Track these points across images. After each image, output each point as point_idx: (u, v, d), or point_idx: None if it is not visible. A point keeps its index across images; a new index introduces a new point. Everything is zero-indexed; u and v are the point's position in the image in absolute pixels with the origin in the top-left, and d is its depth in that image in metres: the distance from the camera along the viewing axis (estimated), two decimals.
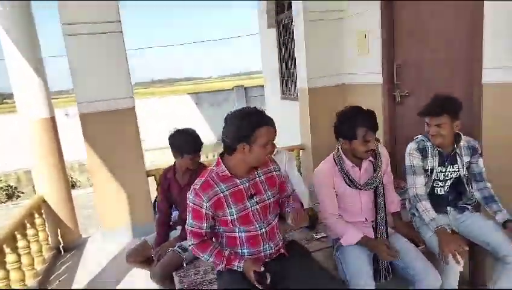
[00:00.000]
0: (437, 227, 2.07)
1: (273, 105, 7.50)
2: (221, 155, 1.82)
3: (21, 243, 3.11)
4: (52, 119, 3.88)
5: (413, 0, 3.50)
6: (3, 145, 10.16)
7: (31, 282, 3.14)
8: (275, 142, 1.76)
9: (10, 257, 2.85)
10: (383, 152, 2.16)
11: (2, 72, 4.99)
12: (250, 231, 1.80)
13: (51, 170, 3.83)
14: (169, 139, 2.41)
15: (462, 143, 2.21)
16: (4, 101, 33.29)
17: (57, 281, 3.31)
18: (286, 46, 6.59)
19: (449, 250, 1.95)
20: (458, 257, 1.93)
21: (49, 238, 3.82)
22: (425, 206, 2.17)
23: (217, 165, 1.81)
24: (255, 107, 1.76)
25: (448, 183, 2.27)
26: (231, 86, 13.42)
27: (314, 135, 4.58)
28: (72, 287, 3.15)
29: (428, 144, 2.23)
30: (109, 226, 3.88)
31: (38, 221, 3.61)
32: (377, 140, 2.13)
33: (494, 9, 2.70)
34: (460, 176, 2.24)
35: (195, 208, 1.74)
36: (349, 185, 2.06)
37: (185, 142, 2.35)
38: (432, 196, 2.27)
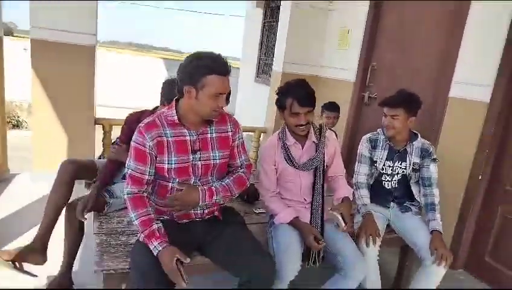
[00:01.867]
0: (365, 212, 2.14)
1: (246, 87, 7.38)
2: (177, 100, 1.65)
3: None
4: None
5: (402, 1, 3.48)
6: None
7: None
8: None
9: None
10: (331, 137, 2.08)
11: None
12: (183, 184, 1.66)
13: None
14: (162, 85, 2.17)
15: (415, 143, 2.20)
16: None
17: None
18: (269, 30, 6.47)
19: (364, 232, 2.03)
20: (370, 240, 2.00)
21: None
22: (361, 193, 2.24)
23: (169, 108, 1.65)
24: (218, 54, 1.58)
25: (396, 179, 2.27)
26: None
27: (278, 119, 4.49)
28: None
29: (382, 137, 2.26)
30: (41, 167, 3.57)
31: None
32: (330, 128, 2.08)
33: (476, 25, 2.73)
34: (406, 174, 2.24)
35: (137, 148, 1.57)
36: (288, 164, 1.97)
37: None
38: (379, 188, 2.30)
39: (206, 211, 1.74)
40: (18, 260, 2.03)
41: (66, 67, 3.53)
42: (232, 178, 1.76)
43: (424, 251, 2.05)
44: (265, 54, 6.65)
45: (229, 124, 1.75)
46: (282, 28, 4.48)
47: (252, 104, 6.85)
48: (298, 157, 1.98)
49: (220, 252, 1.69)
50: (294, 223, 1.91)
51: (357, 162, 2.33)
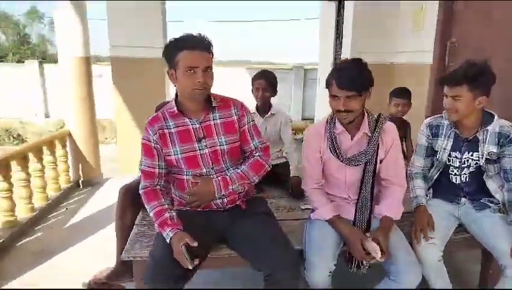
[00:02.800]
0: (417, 205, 1.87)
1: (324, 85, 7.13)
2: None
3: (34, 165, 3.30)
4: (88, 59, 4.01)
5: None
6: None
7: (38, 203, 3.33)
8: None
9: (18, 175, 3.04)
10: (389, 129, 1.75)
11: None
12: (197, 176, 1.64)
13: (80, 105, 3.98)
14: None
15: (491, 127, 1.76)
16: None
17: (64, 209, 3.47)
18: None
19: (415, 228, 1.77)
20: (421, 235, 1.74)
21: (71, 172, 4.02)
22: (415, 183, 1.95)
23: (172, 99, 1.68)
24: (192, 33, 1.57)
25: (466, 172, 1.86)
26: (291, 65, 12.90)
27: None
28: (73, 219, 3.27)
29: (446, 122, 1.87)
30: (128, 172, 3.97)
31: (60, 152, 3.82)
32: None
33: None
34: (480, 166, 1.82)
35: (144, 144, 1.64)
36: (333, 155, 1.74)
37: None
38: (446, 182, 1.93)
39: (227, 201, 1.69)
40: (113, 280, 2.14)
41: (142, 80, 3.89)
42: (247, 164, 1.68)
43: (506, 257, 1.65)
44: (340, 48, 6.33)
45: (233, 108, 1.69)
46: (348, 17, 4.20)
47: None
48: (346, 149, 1.74)
49: (241, 244, 1.63)
50: (334, 222, 1.71)
51: (414, 153, 2.02)
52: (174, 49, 1.53)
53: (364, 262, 1.65)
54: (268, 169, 1.73)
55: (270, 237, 1.60)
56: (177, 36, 1.56)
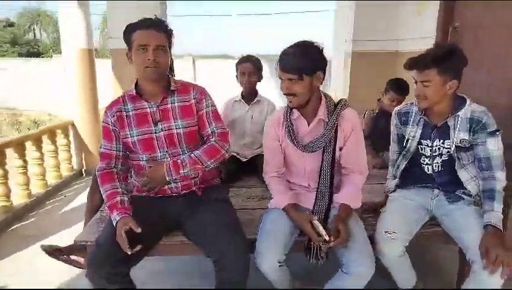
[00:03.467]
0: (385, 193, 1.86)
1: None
2: None
3: (33, 154, 3.43)
4: (90, 51, 4.10)
5: None
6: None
7: (37, 190, 3.46)
8: None
9: (16, 162, 3.16)
10: (348, 115, 1.66)
11: None
12: (152, 159, 1.64)
13: (85, 96, 4.09)
14: None
15: (462, 112, 1.63)
16: None
17: (62, 196, 3.59)
18: None
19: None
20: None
21: (74, 161, 4.15)
22: (388, 171, 1.95)
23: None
24: (153, 17, 1.60)
25: (438, 161, 1.74)
26: None
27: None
28: (70, 205, 3.36)
29: (415, 108, 1.76)
30: None
31: (63, 141, 3.94)
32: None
33: None
34: (451, 155, 1.70)
35: (104, 126, 1.66)
36: (290, 141, 1.68)
37: None
38: (418, 172, 1.82)
39: (181, 185, 1.67)
40: (66, 253, 2.12)
41: None
42: (201, 148, 1.64)
43: (473, 251, 1.52)
44: None
45: (192, 92, 1.68)
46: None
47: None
48: (303, 135, 1.68)
49: (193, 230, 1.61)
50: (288, 211, 1.64)
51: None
52: (130, 30, 1.56)
53: (321, 253, 1.59)
54: (226, 155, 1.68)
55: (221, 223, 1.57)
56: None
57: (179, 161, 1.60)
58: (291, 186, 1.80)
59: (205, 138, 1.71)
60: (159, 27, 1.56)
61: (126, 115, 1.63)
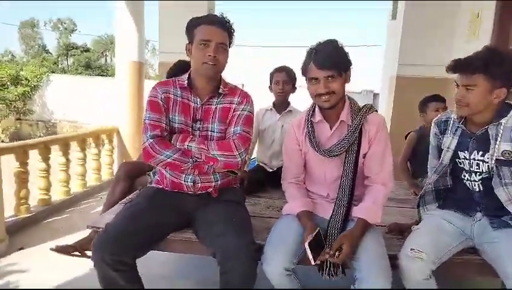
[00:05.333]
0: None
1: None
2: None
3: (77, 155, 3.65)
4: (141, 64, 4.35)
5: None
6: None
7: (77, 189, 3.65)
8: None
9: (59, 159, 3.38)
10: (374, 119, 1.57)
11: None
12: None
13: (132, 105, 4.29)
14: None
15: (505, 119, 1.45)
16: None
17: (99, 198, 3.72)
18: None
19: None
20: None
21: (115, 166, 4.33)
22: (425, 188, 1.72)
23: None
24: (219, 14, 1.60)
25: (477, 177, 1.54)
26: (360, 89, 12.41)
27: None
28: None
29: (454, 116, 1.59)
30: None
31: (107, 146, 4.18)
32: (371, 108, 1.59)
33: None
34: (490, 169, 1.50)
35: (151, 100, 1.61)
36: (311, 146, 1.59)
37: None
38: (460, 191, 1.63)
39: (199, 186, 1.64)
40: (79, 249, 2.10)
41: None
42: (218, 141, 1.61)
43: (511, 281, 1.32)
44: None
45: (238, 96, 1.65)
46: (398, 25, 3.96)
47: None
48: (324, 139, 1.60)
49: (201, 228, 1.57)
50: (300, 217, 1.55)
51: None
52: (193, 23, 1.57)
53: (335, 269, 1.45)
54: (237, 159, 1.56)
55: (230, 223, 1.51)
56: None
57: (190, 135, 1.60)
58: (310, 195, 1.70)
59: (226, 138, 1.63)
60: (223, 25, 1.56)
61: (174, 99, 1.62)
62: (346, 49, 1.52)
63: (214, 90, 1.62)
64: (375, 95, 11.83)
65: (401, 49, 3.83)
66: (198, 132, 1.62)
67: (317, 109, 1.60)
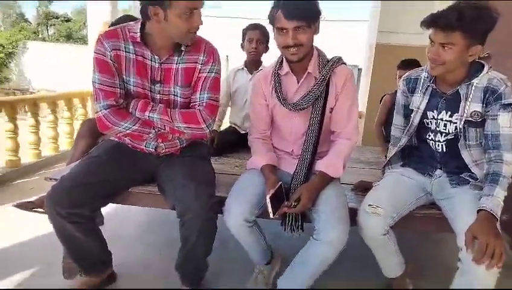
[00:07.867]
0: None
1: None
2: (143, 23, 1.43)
3: (48, 117, 3.54)
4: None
5: None
6: None
7: (48, 152, 3.56)
8: None
9: (29, 121, 3.28)
10: (342, 72, 1.51)
11: None
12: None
13: None
14: None
15: (477, 80, 1.40)
16: None
17: None
18: None
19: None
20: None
21: None
22: (390, 150, 1.73)
23: (136, 22, 1.44)
24: None
25: (443, 138, 1.53)
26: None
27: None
28: None
29: (424, 75, 1.54)
30: None
31: (80, 111, 4.05)
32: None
33: None
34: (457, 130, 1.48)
35: (99, 58, 1.39)
36: (277, 99, 1.55)
37: None
38: (422, 149, 1.63)
39: (163, 151, 1.57)
40: (39, 205, 2.03)
41: None
42: (183, 110, 1.50)
43: (460, 238, 1.32)
44: None
45: (203, 54, 1.48)
46: None
47: None
48: (292, 93, 1.56)
49: (163, 181, 1.54)
50: (263, 170, 1.54)
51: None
52: None
53: (297, 223, 1.45)
54: (205, 132, 1.48)
55: (190, 177, 1.47)
56: None
57: (151, 103, 1.47)
58: (275, 151, 1.68)
59: (191, 105, 1.52)
60: None
61: (126, 57, 1.41)
62: (331, 22, 1.46)
63: (174, 47, 1.44)
64: (360, 70, 11.88)
65: (382, 15, 3.76)
66: (158, 95, 1.48)
67: (284, 61, 1.55)
